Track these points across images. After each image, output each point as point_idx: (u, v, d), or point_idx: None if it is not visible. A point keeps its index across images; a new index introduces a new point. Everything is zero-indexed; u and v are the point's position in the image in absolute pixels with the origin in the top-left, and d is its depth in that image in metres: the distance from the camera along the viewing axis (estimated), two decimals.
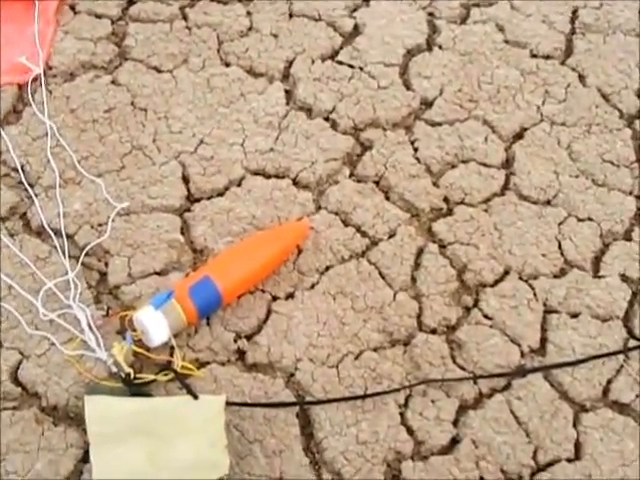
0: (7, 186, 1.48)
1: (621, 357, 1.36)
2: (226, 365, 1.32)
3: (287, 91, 1.64)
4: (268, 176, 1.52)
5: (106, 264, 1.41)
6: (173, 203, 1.47)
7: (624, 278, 1.45)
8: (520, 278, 1.43)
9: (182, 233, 1.44)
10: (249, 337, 1.35)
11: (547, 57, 1.73)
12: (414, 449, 1.27)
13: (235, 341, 1.34)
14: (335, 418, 1.28)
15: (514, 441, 1.28)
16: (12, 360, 1.31)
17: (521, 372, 1.34)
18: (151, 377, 1.27)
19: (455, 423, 1.30)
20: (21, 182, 1.48)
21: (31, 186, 1.48)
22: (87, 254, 1.41)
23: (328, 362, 1.33)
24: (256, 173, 1.52)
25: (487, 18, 1.77)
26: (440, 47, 1.72)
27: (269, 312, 1.38)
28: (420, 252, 1.45)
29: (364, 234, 1.46)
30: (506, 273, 1.44)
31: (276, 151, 1.54)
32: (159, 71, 1.64)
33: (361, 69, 1.67)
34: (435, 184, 1.53)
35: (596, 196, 1.53)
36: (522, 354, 1.36)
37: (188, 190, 1.49)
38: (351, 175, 1.53)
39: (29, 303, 1.35)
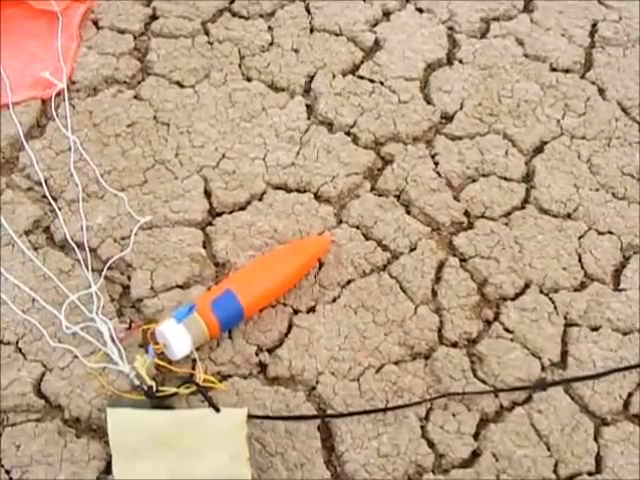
0: (31, 200, 1.49)
1: None
2: (248, 378, 1.33)
3: (308, 106, 1.65)
4: (290, 190, 1.53)
5: (129, 277, 1.41)
6: (195, 217, 1.48)
7: None
8: (541, 291, 1.43)
9: (204, 247, 1.45)
10: (270, 350, 1.36)
11: (567, 71, 1.73)
12: (435, 462, 1.27)
13: (257, 354, 1.35)
14: (356, 431, 1.28)
15: (535, 454, 1.28)
16: (35, 373, 1.31)
17: (542, 385, 1.34)
18: (173, 390, 1.27)
19: (476, 436, 1.30)
20: (45, 196, 1.49)
21: (54, 200, 1.49)
22: (110, 267, 1.41)
23: (349, 375, 1.34)
24: (278, 187, 1.53)
25: (507, 32, 1.78)
26: (460, 61, 1.72)
27: (290, 325, 1.38)
28: (441, 266, 1.46)
29: (385, 248, 1.47)
30: (527, 286, 1.44)
31: (297, 165, 1.55)
32: (181, 86, 1.66)
33: (382, 83, 1.68)
34: (456, 198, 1.53)
35: (616, 209, 1.53)
36: (543, 367, 1.36)
37: (210, 204, 1.50)
38: (372, 189, 1.54)
39: (52, 316, 1.36)
